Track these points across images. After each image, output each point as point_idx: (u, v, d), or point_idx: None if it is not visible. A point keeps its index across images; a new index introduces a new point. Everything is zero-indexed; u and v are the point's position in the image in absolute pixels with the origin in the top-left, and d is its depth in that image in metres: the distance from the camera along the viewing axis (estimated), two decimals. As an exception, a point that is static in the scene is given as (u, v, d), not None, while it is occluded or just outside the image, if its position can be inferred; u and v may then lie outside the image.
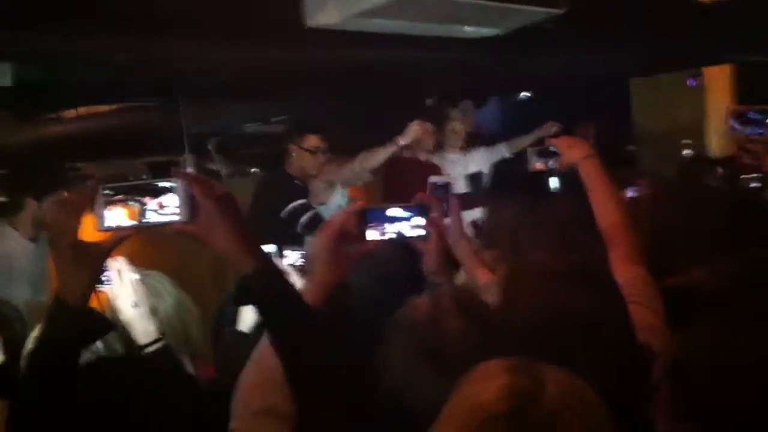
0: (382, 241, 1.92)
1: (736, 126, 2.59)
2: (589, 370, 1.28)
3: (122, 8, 3.38)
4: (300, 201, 4.54)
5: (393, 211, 1.96)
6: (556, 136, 2.78)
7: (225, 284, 4.57)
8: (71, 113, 8.13)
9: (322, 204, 4.87)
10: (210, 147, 8.10)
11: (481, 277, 2.50)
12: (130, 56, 3.95)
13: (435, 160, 5.74)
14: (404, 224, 1.96)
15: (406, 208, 1.97)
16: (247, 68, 4.87)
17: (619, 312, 1.74)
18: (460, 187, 5.63)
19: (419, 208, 2.00)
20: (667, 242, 2.52)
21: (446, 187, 2.41)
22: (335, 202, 4.98)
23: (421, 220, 1.99)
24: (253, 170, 8.85)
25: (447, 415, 1.20)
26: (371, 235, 1.90)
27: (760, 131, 2.59)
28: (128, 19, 3.51)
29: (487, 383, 1.20)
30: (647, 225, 2.55)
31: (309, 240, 4.34)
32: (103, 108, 7.64)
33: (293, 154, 4.70)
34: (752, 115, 2.60)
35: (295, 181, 4.71)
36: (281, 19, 3.81)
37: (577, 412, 1.15)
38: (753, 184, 4.40)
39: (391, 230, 1.94)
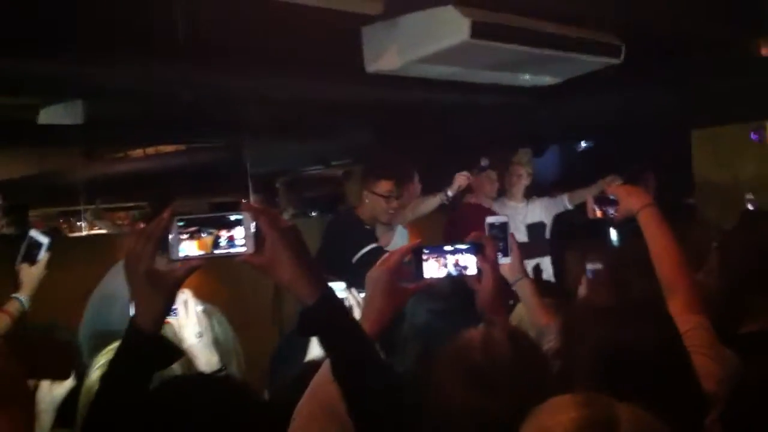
0: (438, 278, 1.96)
1: None
2: (646, 407, 1.30)
3: (190, 48, 3.49)
4: (374, 245, 4.51)
5: (449, 249, 1.99)
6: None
7: (282, 324, 4.63)
8: (138, 152, 8.38)
9: (384, 247, 4.90)
10: (278, 185, 8.22)
11: (542, 318, 2.51)
12: (196, 95, 4.06)
13: (496, 207, 5.75)
14: (460, 262, 1.99)
15: (461, 246, 2.01)
16: (308, 110, 4.98)
17: (677, 349, 1.76)
18: (521, 236, 5.62)
19: (474, 246, 2.03)
20: (739, 290, 2.52)
21: (503, 226, 2.43)
22: (396, 245, 5.00)
23: (475, 258, 2.01)
24: (313, 213, 8.96)
25: None
26: (428, 271, 1.93)
27: None
28: (196, 59, 3.63)
29: (560, 416, 1.22)
30: (716, 274, 2.55)
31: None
32: (169, 148, 7.86)
33: (366, 200, 4.66)
34: None
35: (366, 226, 4.70)
36: (342, 63, 3.90)
37: None
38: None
39: (446, 267, 1.97)
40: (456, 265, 2.00)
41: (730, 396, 1.65)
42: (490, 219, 2.42)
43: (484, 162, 5.28)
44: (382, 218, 4.64)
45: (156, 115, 5.05)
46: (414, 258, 1.93)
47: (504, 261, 2.40)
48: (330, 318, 1.55)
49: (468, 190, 5.81)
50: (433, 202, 5.10)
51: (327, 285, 1.60)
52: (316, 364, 1.89)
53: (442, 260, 1.97)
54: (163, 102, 4.57)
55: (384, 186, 4.56)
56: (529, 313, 2.58)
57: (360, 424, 1.57)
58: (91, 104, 4.47)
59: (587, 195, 5.84)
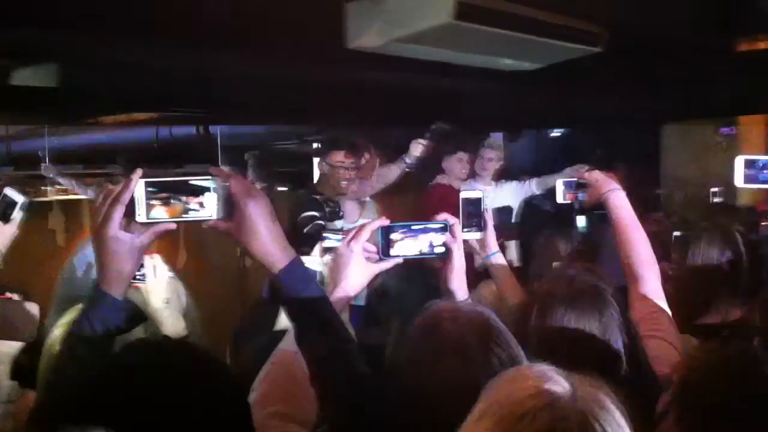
0: (406, 256, 1.96)
1: (749, 174, 2.65)
2: None
3: (163, 19, 3.44)
4: (310, 213, 4.54)
5: (417, 227, 1.99)
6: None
7: (246, 294, 4.61)
8: (109, 119, 8.26)
9: (353, 222, 4.91)
10: (247, 159, 8.17)
11: (512, 295, 2.53)
12: (169, 66, 4.01)
13: (464, 188, 5.78)
14: (427, 241, 1.99)
15: (430, 225, 2.00)
16: (283, 86, 4.93)
17: (622, 337, 1.80)
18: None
19: (442, 225, 2.02)
20: (701, 283, 2.57)
21: (477, 202, 2.44)
22: (365, 219, 5.02)
23: (444, 237, 2.01)
24: (282, 188, 8.91)
25: (482, 412, 1.23)
26: (396, 249, 1.93)
27: None
28: (170, 30, 3.57)
29: (523, 383, 1.25)
30: (679, 265, 2.59)
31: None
32: (141, 116, 7.76)
33: (325, 172, 4.73)
34: (763, 162, 2.65)
35: (317, 197, 4.71)
36: (322, 38, 3.87)
37: (604, 412, 1.19)
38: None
39: (414, 247, 1.97)
40: (422, 245, 1.99)
41: (688, 381, 1.68)
42: (464, 194, 2.42)
43: (434, 125, 5.30)
44: (339, 188, 4.70)
45: (128, 85, 4.97)
46: (382, 236, 1.92)
47: (478, 235, 2.40)
48: (297, 286, 1.55)
49: (440, 171, 5.84)
50: (394, 170, 5.24)
51: (295, 253, 1.60)
52: (280, 336, 1.88)
53: (410, 238, 1.97)
54: (136, 72, 4.50)
55: (337, 156, 4.64)
56: (499, 289, 2.61)
57: (323, 393, 1.57)
58: (64, 68, 4.39)
59: (556, 181, 5.95)
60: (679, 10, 4.25)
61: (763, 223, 4.73)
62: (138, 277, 2.28)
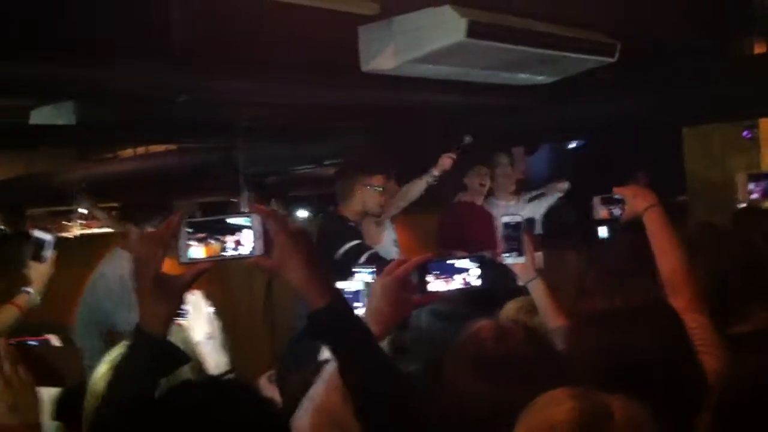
0: (442, 292, 1.90)
1: (753, 188, 2.60)
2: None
3: (185, 49, 3.48)
4: (355, 241, 4.52)
5: (455, 262, 1.93)
6: (616, 182, 2.80)
7: (273, 327, 4.63)
8: (129, 153, 8.35)
9: (377, 244, 4.90)
10: (268, 185, 8.18)
11: (555, 319, 2.51)
12: (189, 97, 4.04)
13: (486, 205, 5.77)
14: (466, 276, 1.93)
15: (467, 262, 1.95)
16: (302, 110, 4.97)
17: (685, 349, 1.78)
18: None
19: (482, 258, 1.97)
20: (728, 291, 2.54)
21: (517, 226, 2.41)
22: (388, 240, 5.02)
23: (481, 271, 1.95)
24: (304, 213, 8.94)
25: None
26: (434, 286, 1.87)
27: None
28: (190, 60, 3.61)
29: (557, 407, 1.24)
30: (704, 271, 2.56)
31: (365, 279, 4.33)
32: (160, 148, 7.84)
33: (357, 194, 4.67)
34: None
35: (349, 223, 4.71)
36: (338, 63, 3.90)
37: None
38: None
39: (452, 282, 1.91)
40: (460, 280, 1.94)
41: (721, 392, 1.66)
42: (505, 218, 2.39)
43: (467, 139, 5.24)
44: (374, 211, 4.66)
45: (149, 117, 5.03)
46: (419, 271, 1.87)
47: (518, 261, 2.38)
48: (340, 321, 1.54)
49: (461, 189, 5.83)
50: (420, 184, 5.11)
51: (336, 288, 1.60)
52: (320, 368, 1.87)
53: (447, 274, 1.92)
54: (156, 103, 4.56)
55: (379, 180, 4.60)
56: (541, 314, 2.58)
57: (369, 429, 1.57)
58: (82, 105, 4.44)
59: (594, 198, 5.93)
60: (695, 13, 4.25)
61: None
62: (180, 313, 2.28)
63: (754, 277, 2.63)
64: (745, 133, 6.20)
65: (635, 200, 2.54)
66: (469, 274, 1.91)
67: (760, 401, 1.55)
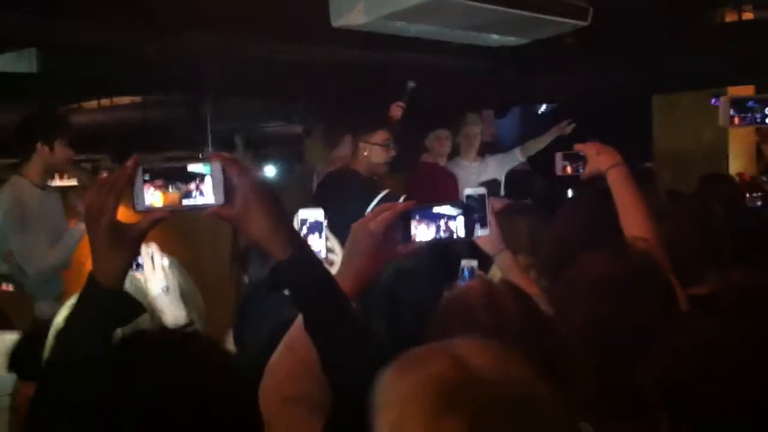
0: (425, 241, 1.85)
1: (735, 114, 2.54)
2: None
3: (152, 2, 3.41)
4: (385, 191, 4.42)
5: (440, 210, 1.88)
6: (579, 140, 2.73)
7: (239, 277, 4.58)
8: (93, 104, 8.20)
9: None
10: (237, 141, 8.09)
11: (526, 289, 2.48)
12: (156, 50, 3.97)
13: (450, 166, 5.76)
14: (450, 224, 1.89)
15: (450, 209, 1.89)
16: (270, 67, 4.90)
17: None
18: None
19: (465, 207, 1.93)
20: (683, 252, 2.52)
21: (481, 198, 2.37)
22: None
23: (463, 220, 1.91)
24: (271, 169, 8.87)
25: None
26: (417, 234, 1.82)
27: (758, 118, 2.53)
28: (157, 13, 3.54)
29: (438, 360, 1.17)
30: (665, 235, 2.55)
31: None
32: (126, 100, 7.70)
33: (364, 152, 4.60)
34: (751, 104, 2.54)
35: (365, 177, 4.63)
36: (307, 19, 3.83)
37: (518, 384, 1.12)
38: (757, 203, 4.45)
39: (434, 231, 1.86)
40: (444, 229, 1.90)
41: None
42: (468, 191, 2.35)
43: (410, 84, 5.17)
44: (380, 169, 4.59)
45: (110, 69, 4.92)
46: (402, 219, 1.81)
47: (483, 233, 2.35)
48: (304, 273, 1.50)
49: (423, 150, 5.80)
50: None
51: (300, 238, 1.56)
52: (287, 322, 1.83)
53: (430, 223, 1.87)
54: (119, 55, 4.46)
55: (382, 135, 4.54)
56: None
57: (333, 381, 1.54)
58: (45, 54, 4.34)
59: (539, 146, 5.93)
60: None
61: (748, 195, 4.73)
62: (135, 265, 2.23)
63: (710, 242, 2.62)
64: (714, 101, 6.23)
65: (598, 157, 2.48)
66: (455, 221, 1.87)
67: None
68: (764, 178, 6.30)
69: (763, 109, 2.50)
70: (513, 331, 1.55)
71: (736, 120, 2.53)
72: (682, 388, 1.35)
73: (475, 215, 2.16)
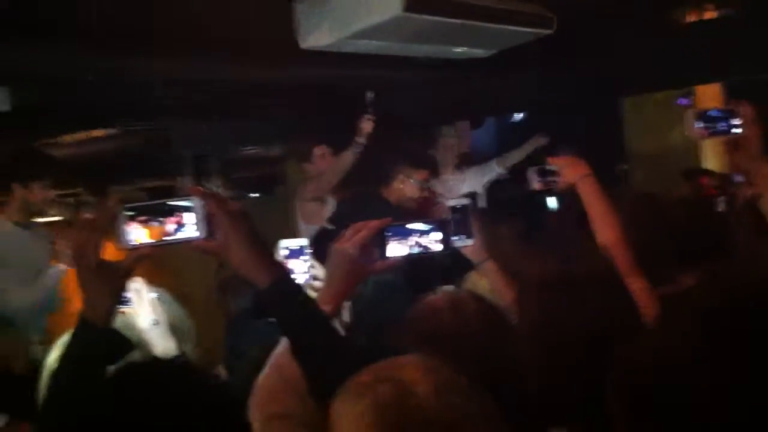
0: (400, 257, 1.88)
1: (700, 126, 2.61)
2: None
3: (114, 30, 3.40)
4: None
5: (414, 226, 1.92)
6: (551, 152, 2.84)
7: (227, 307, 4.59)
8: (68, 138, 8.15)
9: (319, 222, 4.90)
10: (210, 167, 8.07)
11: (508, 296, 2.51)
12: (123, 78, 3.96)
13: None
14: (424, 239, 1.92)
15: (425, 225, 1.93)
16: (237, 89, 4.91)
17: (632, 318, 1.78)
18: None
19: (438, 223, 1.96)
20: (650, 252, 2.56)
21: (464, 209, 2.40)
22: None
23: (441, 235, 1.94)
24: (251, 195, 8.85)
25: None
26: (391, 251, 1.86)
27: (722, 128, 2.59)
28: (118, 40, 3.52)
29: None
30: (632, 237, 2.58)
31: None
32: (100, 133, 7.66)
33: (400, 184, 4.75)
34: (713, 113, 2.61)
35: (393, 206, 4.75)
36: (275, 40, 3.84)
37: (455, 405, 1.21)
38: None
39: (412, 246, 1.90)
40: (418, 244, 1.93)
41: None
42: (451, 202, 2.39)
43: (369, 95, 5.21)
44: (409, 204, 4.71)
45: (81, 101, 4.91)
46: (378, 236, 1.85)
47: (467, 243, 2.38)
48: (285, 300, 1.54)
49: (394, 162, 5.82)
50: (347, 156, 5.07)
51: (281, 266, 1.59)
52: (274, 345, 1.86)
53: (405, 239, 1.91)
54: (79, 85, 4.44)
55: (423, 174, 4.68)
56: (496, 294, 2.59)
57: (319, 400, 1.56)
58: (17, 90, 4.33)
59: (516, 159, 5.98)
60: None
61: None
62: (123, 301, 2.26)
63: (675, 242, 2.67)
64: (681, 100, 6.28)
65: (568, 170, 2.60)
66: (429, 237, 1.91)
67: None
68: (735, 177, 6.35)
69: (728, 119, 2.57)
70: (473, 329, 1.60)
71: (703, 131, 2.59)
72: (640, 396, 1.37)
73: (457, 227, 2.20)
